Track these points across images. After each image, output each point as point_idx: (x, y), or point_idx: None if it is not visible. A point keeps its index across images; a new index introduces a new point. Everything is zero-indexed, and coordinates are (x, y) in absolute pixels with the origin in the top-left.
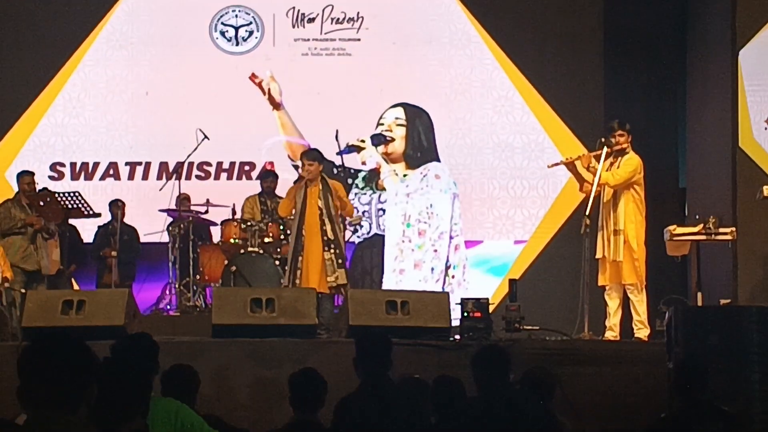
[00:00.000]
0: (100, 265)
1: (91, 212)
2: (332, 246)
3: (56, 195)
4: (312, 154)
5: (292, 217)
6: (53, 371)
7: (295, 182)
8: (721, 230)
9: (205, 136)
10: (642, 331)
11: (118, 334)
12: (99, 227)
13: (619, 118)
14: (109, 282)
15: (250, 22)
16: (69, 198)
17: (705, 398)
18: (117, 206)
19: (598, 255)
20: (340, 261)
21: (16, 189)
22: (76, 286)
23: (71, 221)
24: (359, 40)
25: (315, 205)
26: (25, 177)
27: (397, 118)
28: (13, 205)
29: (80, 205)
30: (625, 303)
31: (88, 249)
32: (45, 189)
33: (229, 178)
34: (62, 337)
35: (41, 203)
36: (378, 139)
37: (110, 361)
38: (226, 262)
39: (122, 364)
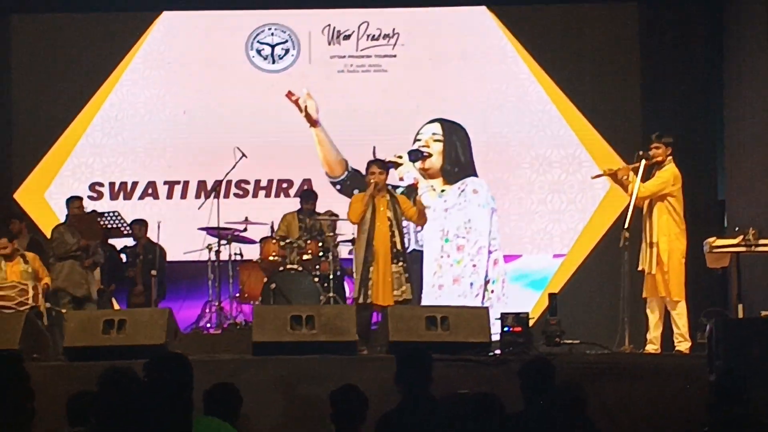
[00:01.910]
0: (128, 286)
1: (130, 232)
2: (401, 258)
3: (95, 215)
4: (381, 163)
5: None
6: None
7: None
8: (761, 242)
9: (243, 154)
10: (683, 344)
11: (159, 353)
12: (124, 248)
13: (657, 131)
14: (137, 302)
15: (286, 40)
16: (108, 218)
17: (747, 412)
18: (137, 227)
19: (640, 267)
20: (407, 275)
21: (56, 210)
22: (116, 306)
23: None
24: (395, 56)
25: (384, 216)
26: (75, 201)
27: (434, 134)
28: (65, 230)
29: (119, 225)
30: (667, 316)
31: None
32: (93, 211)
33: (267, 195)
34: None
35: (82, 223)
36: (415, 155)
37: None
38: (265, 279)
39: (159, 384)
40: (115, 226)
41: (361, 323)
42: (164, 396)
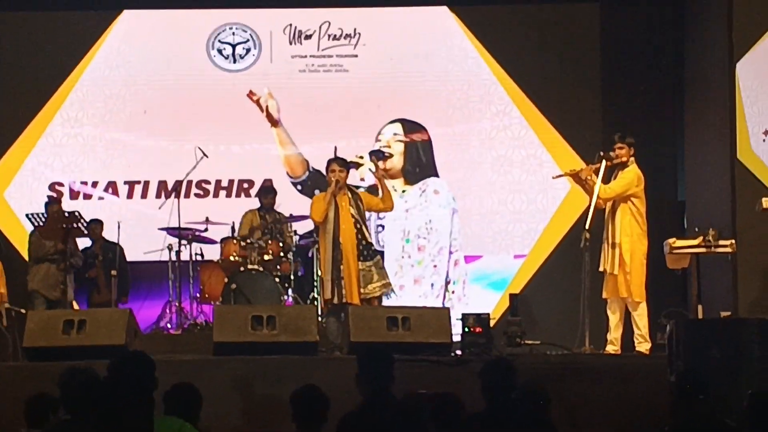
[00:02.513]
0: (89, 286)
1: (87, 233)
2: (369, 254)
3: (54, 215)
4: (343, 161)
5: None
6: None
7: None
8: (721, 242)
9: (204, 154)
10: (643, 345)
11: (119, 353)
12: (83, 249)
13: (618, 132)
14: (98, 302)
15: (247, 40)
16: (67, 217)
17: (707, 411)
18: (93, 226)
19: (601, 268)
20: (378, 269)
21: (15, 210)
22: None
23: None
24: (356, 56)
25: (348, 213)
26: (53, 205)
27: (395, 134)
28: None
29: (79, 225)
30: (627, 317)
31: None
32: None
33: (228, 195)
34: None
35: (42, 224)
36: (377, 155)
37: (109, 381)
38: (226, 279)
39: (121, 383)
40: (74, 226)
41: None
42: (126, 395)
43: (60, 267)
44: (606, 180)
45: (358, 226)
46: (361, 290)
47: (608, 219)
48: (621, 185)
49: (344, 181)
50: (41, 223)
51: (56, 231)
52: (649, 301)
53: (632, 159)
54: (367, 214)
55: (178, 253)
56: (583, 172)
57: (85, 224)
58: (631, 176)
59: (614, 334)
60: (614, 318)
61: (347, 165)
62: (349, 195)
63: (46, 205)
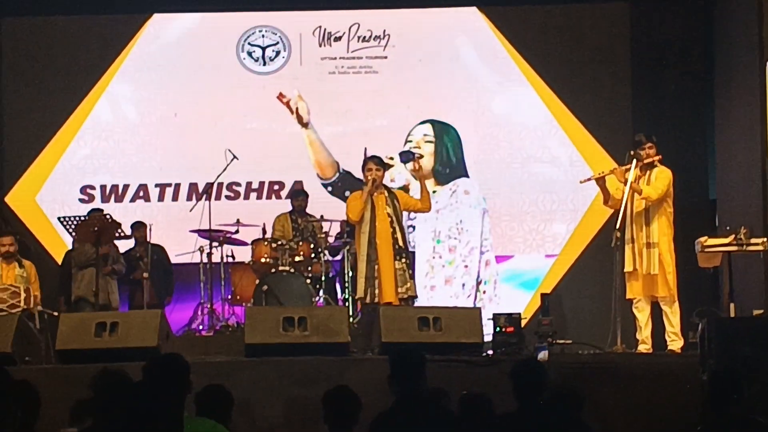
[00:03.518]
0: (132, 288)
1: (122, 234)
2: (403, 255)
3: (85, 218)
4: (379, 160)
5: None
6: None
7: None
8: (753, 241)
9: (234, 157)
10: (675, 343)
11: (152, 355)
12: (125, 252)
13: (646, 131)
14: (141, 304)
15: (277, 42)
16: (104, 221)
17: (739, 409)
18: (139, 229)
19: (628, 268)
20: (410, 271)
21: (48, 214)
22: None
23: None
24: (386, 57)
25: (384, 213)
26: (94, 213)
27: (425, 135)
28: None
29: (114, 229)
30: (656, 315)
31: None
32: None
33: (259, 197)
34: None
35: (74, 227)
36: (406, 156)
37: (144, 383)
38: (257, 281)
39: (156, 385)
40: (106, 229)
41: (368, 323)
42: (160, 397)
43: (104, 272)
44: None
45: (394, 225)
46: (399, 289)
47: (636, 219)
48: (665, 184)
49: (381, 179)
50: (73, 227)
51: (89, 234)
52: (680, 300)
53: (658, 158)
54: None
55: (209, 255)
56: (616, 173)
57: (116, 228)
58: (669, 175)
59: (645, 333)
60: (643, 317)
61: (384, 164)
62: (386, 194)
63: (90, 212)
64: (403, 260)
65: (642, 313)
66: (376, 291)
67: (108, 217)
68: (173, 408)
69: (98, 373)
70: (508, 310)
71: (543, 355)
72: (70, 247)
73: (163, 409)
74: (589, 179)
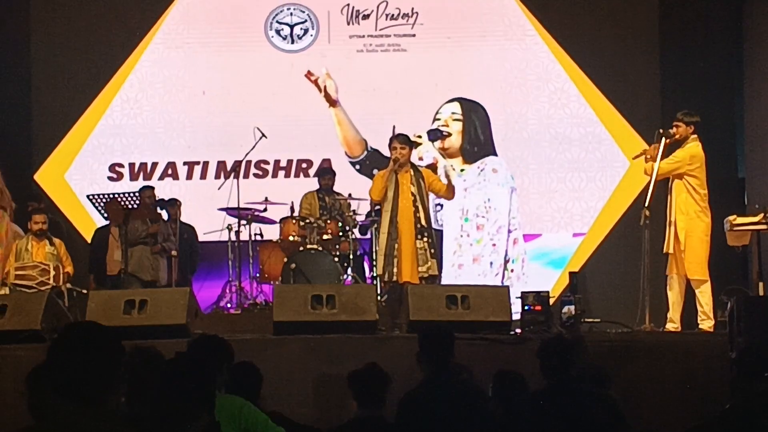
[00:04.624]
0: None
1: (154, 216)
2: (425, 234)
3: (116, 196)
4: (404, 138)
5: (378, 206)
6: (81, 362)
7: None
8: None
9: (263, 135)
10: (706, 323)
11: (181, 333)
12: None
13: (677, 109)
14: (171, 280)
15: (305, 20)
16: (128, 198)
17: None
18: (174, 205)
19: (665, 249)
20: (432, 251)
21: (76, 191)
22: None
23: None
24: (414, 35)
25: (408, 191)
26: (146, 191)
27: (453, 113)
28: (133, 219)
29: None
30: (689, 295)
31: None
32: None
33: (287, 175)
34: (92, 329)
35: (104, 206)
36: (435, 134)
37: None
38: (285, 259)
39: (191, 363)
40: (135, 206)
41: (393, 301)
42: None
43: (153, 250)
44: (665, 157)
45: (417, 204)
46: (420, 268)
47: (667, 197)
48: (669, 163)
49: (406, 158)
50: (102, 205)
51: (118, 213)
52: (710, 279)
53: (693, 137)
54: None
55: (237, 233)
56: (648, 151)
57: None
58: (683, 155)
59: (673, 312)
60: (672, 295)
61: (409, 142)
62: (411, 172)
63: (140, 190)
64: (425, 239)
65: (671, 292)
66: (395, 269)
67: (149, 196)
68: (206, 385)
69: (130, 351)
70: (536, 288)
71: (567, 309)
72: (99, 224)
73: (198, 388)
74: (640, 155)
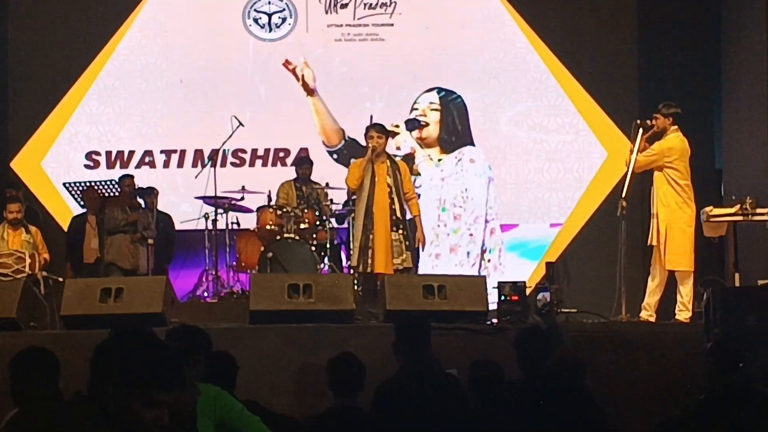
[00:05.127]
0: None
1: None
2: (400, 226)
3: (93, 184)
4: (380, 127)
5: (355, 196)
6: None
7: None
8: (758, 211)
9: (240, 123)
10: (683, 314)
11: (157, 321)
12: None
13: (652, 100)
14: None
15: (283, 9)
16: (105, 186)
17: (743, 379)
18: (151, 194)
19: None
20: (407, 243)
21: (53, 179)
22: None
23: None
24: (392, 25)
25: (384, 182)
26: (126, 179)
27: (431, 103)
28: (114, 207)
29: (117, 194)
30: (670, 286)
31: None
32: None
33: (264, 164)
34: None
35: (81, 194)
36: (412, 124)
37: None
38: (262, 248)
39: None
40: (112, 194)
41: (367, 291)
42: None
43: (133, 238)
44: (644, 148)
45: (392, 196)
46: (395, 260)
47: (651, 190)
48: (647, 155)
49: (382, 148)
50: (79, 193)
51: (95, 200)
52: None
53: (674, 128)
54: None
55: (214, 221)
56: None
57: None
58: (659, 147)
59: (648, 299)
60: (651, 284)
61: (386, 132)
62: (388, 163)
63: (121, 177)
64: (401, 231)
65: (653, 280)
66: (369, 260)
67: (128, 185)
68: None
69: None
70: (512, 278)
71: (542, 297)
72: (75, 213)
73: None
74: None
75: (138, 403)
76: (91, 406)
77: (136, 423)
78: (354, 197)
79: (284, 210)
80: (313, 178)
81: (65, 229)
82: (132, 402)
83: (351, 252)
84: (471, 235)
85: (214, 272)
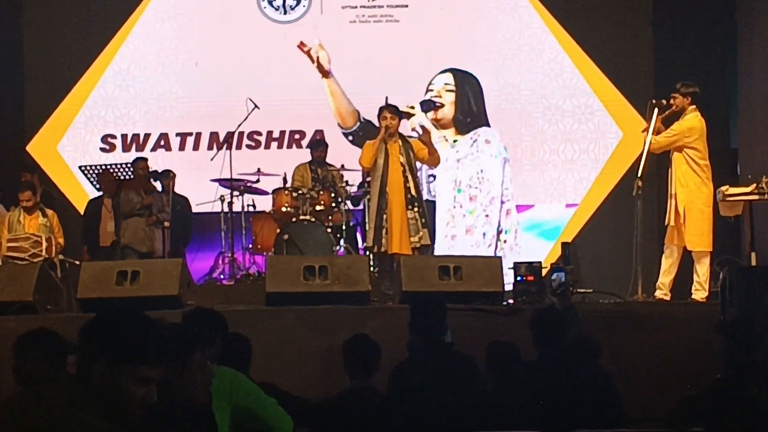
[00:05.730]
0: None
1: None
2: (416, 204)
3: (108, 167)
4: (393, 108)
5: (369, 177)
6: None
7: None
8: None
9: (255, 106)
10: (699, 293)
11: (173, 304)
12: None
13: (667, 80)
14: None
15: None
16: (120, 169)
17: (759, 358)
18: (168, 177)
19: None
20: (423, 220)
21: (69, 162)
22: None
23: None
24: (407, 6)
25: (397, 161)
26: (140, 162)
27: (446, 84)
28: (129, 190)
29: (132, 177)
30: (684, 265)
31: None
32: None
33: (280, 146)
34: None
35: (97, 177)
36: (427, 105)
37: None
38: (278, 230)
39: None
40: (127, 177)
41: (382, 272)
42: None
43: (149, 221)
44: (663, 127)
45: (406, 174)
46: (412, 238)
47: (669, 171)
48: (666, 137)
49: (395, 128)
50: (95, 176)
51: (111, 184)
52: None
53: (692, 108)
54: (418, 164)
55: (230, 204)
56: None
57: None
58: (679, 128)
59: (663, 279)
60: (666, 263)
61: (399, 112)
62: (400, 143)
63: (135, 161)
64: (416, 209)
65: (667, 259)
66: (384, 240)
67: (142, 168)
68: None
69: None
70: (528, 259)
71: (558, 277)
72: (91, 196)
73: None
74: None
75: (126, 381)
76: (80, 386)
77: (125, 401)
78: (369, 179)
79: (300, 192)
80: (329, 160)
81: (81, 212)
82: (120, 379)
83: (366, 233)
84: (487, 216)
85: (230, 255)
